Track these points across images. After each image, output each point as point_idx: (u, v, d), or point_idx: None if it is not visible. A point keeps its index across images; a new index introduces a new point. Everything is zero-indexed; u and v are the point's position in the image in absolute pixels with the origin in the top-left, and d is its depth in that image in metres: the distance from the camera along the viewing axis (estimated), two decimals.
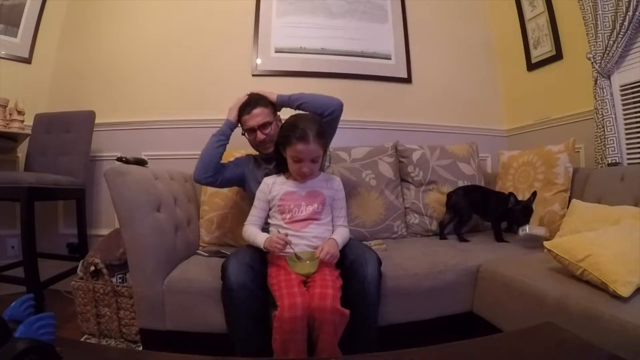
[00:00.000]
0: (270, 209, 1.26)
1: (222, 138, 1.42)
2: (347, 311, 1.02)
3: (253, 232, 1.21)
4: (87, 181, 2.03)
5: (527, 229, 1.49)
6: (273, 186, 1.25)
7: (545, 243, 1.14)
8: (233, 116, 1.44)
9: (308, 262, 1.10)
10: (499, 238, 1.62)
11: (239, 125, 1.47)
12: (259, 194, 1.28)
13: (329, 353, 0.98)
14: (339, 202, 1.29)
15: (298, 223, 1.20)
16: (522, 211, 1.53)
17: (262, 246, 1.15)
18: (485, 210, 1.71)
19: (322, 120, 1.31)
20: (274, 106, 1.47)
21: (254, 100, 1.45)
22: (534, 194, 1.56)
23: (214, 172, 1.40)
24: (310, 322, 0.99)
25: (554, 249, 1.09)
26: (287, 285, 1.04)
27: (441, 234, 1.74)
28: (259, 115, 1.42)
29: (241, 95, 1.48)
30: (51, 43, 2.22)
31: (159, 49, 2.19)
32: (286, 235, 1.12)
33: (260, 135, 1.43)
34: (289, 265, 1.10)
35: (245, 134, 1.48)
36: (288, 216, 1.20)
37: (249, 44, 2.22)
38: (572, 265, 1.03)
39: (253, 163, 1.50)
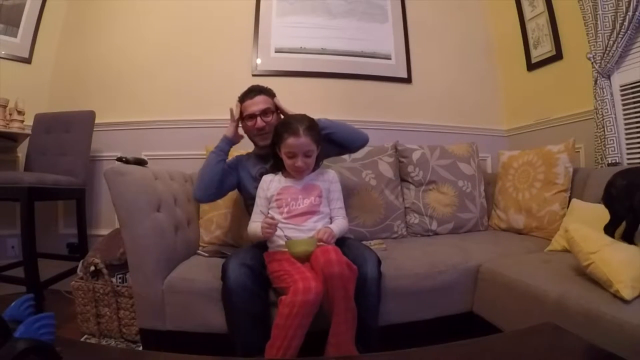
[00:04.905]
0: (269, 207, 1.28)
1: (221, 154, 1.40)
2: (355, 266, 1.04)
3: (256, 228, 1.22)
4: (87, 181, 2.03)
5: None
6: (271, 183, 1.29)
7: (569, 225, 1.10)
8: (231, 132, 1.41)
9: (306, 240, 1.11)
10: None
11: (240, 123, 1.47)
12: (259, 192, 1.31)
13: (344, 312, 0.98)
14: (334, 193, 1.32)
15: (297, 217, 1.22)
16: None
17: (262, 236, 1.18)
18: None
19: (347, 150, 1.47)
20: (275, 100, 1.49)
21: (258, 89, 1.47)
22: None
23: (216, 188, 1.39)
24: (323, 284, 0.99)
25: (573, 232, 1.06)
26: (299, 271, 1.03)
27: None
28: (261, 102, 1.43)
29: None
30: (51, 43, 2.22)
31: (159, 49, 2.19)
32: (272, 218, 1.16)
33: (260, 122, 1.42)
34: (289, 249, 1.10)
35: (244, 121, 1.46)
36: (286, 210, 1.23)
37: (249, 44, 2.21)
38: (583, 254, 1.01)
39: (246, 162, 1.50)
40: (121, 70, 2.18)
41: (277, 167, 1.32)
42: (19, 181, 1.61)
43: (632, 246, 1.06)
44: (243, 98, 1.46)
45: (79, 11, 2.24)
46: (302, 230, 1.20)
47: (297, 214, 1.22)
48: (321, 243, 1.12)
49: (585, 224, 1.28)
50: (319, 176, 1.32)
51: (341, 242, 1.23)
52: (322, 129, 1.33)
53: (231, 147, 1.44)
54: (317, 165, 1.34)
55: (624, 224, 1.15)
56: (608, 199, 1.20)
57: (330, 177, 1.34)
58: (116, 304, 1.45)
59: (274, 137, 1.27)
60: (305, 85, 2.21)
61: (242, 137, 1.47)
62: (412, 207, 1.86)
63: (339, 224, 1.26)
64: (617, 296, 0.89)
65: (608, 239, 1.07)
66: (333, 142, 1.41)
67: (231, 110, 1.43)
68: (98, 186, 2.12)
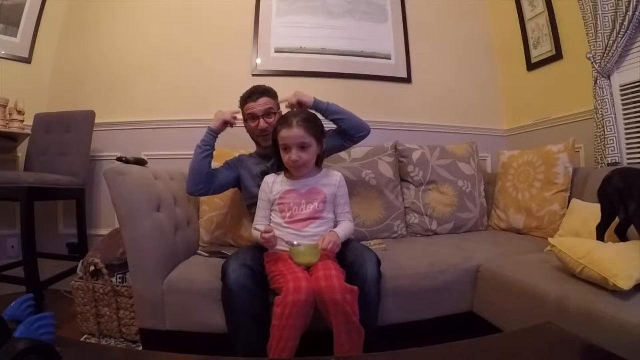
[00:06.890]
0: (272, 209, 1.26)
1: (207, 148, 1.38)
2: (356, 288, 1.03)
3: (258, 235, 1.20)
4: (87, 181, 2.03)
5: None
6: (274, 185, 1.26)
7: (549, 239, 1.13)
8: (216, 125, 1.40)
9: (310, 251, 1.10)
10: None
11: (230, 126, 1.45)
12: (262, 194, 1.28)
13: (346, 333, 0.97)
14: (341, 198, 1.28)
15: (299, 223, 1.19)
16: None
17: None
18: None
19: (350, 139, 1.45)
20: (278, 100, 1.50)
21: (261, 91, 1.46)
22: None
23: (205, 182, 1.38)
24: (322, 307, 0.99)
25: (558, 245, 1.09)
26: (291, 271, 1.05)
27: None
28: (265, 104, 1.43)
29: (227, 110, 1.44)
30: (51, 43, 2.21)
31: (159, 48, 2.19)
32: (269, 232, 1.14)
33: (262, 124, 1.43)
34: (292, 256, 1.10)
35: (247, 122, 1.47)
36: (288, 215, 1.20)
37: (249, 44, 2.21)
38: (573, 263, 1.02)
39: (247, 161, 1.50)
40: (121, 70, 2.18)
41: (280, 167, 1.30)
42: (19, 181, 1.61)
43: (618, 243, 1.08)
44: (246, 100, 1.47)
45: (78, 11, 2.24)
46: (303, 236, 1.17)
47: (299, 219, 1.19)
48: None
49: (585, 224, 1.30)
50: (324, 179, 1.27)
51: (342, 243, 1.22)
52: (334, 113, 1.39)
53: (216, 138, 1.41)
54: (320, 165, 1.31)
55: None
56: (602, 195, 1.20)
57: (337, 182, 1.27)
58: (116, 304, 1.45)
59: (273, 135, 1.26)
60: (305, 85, 2.20)
61: (226, 127, 1.43)
62: (412, 207, 1.86)
63: (345, 228, 1.23)
64: (616, 291, 0.89)
65: (593, 242, 1.08)
66: (340, 129, 1.44)
67: (220, 113, 1.43)
68: (98, 186, 2.12)
